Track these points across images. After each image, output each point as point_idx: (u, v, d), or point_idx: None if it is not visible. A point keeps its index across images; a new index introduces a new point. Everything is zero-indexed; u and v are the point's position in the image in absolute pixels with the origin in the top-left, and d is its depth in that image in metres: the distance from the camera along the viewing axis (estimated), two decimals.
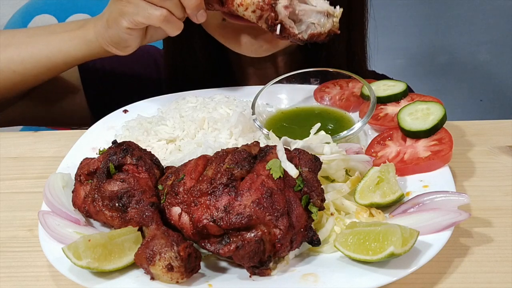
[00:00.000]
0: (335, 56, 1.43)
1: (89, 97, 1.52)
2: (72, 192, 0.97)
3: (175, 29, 1.16)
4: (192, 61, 1.47)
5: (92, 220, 0.95)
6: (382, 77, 1.63)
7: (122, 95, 1.51)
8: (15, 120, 1.51)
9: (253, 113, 1.14)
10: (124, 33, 1.16)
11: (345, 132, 1.07)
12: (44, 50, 1.29)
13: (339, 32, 1.16)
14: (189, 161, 0.94)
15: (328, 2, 1.14)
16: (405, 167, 1.00)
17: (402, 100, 1.17)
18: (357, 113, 1.16)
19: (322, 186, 0.87)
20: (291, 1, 1.10)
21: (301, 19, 1.12)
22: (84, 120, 1.50)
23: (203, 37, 1.40)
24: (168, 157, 1.10)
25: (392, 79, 1.51)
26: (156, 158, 0.99)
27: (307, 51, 1.45)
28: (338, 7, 1.14)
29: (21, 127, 1.92)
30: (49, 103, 1.49)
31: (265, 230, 0.80)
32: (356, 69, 1.46)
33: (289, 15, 1.11)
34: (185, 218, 0.85)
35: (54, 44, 1.29)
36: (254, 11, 1.11)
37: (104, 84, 1.54)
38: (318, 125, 1.02)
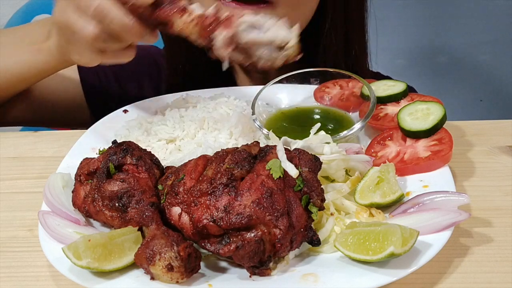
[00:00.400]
0: (331, 50, 1.42)
1: (88, 97, 1.52)
2: (72, 192, 0.97)
3: (126, 58, 1.08)
4: (192, 61, 1.47)
5: (92, 220, 0.95)
6: (387, 78, 1.63)
7: (122, 95, 1.50)
8: (13, 121, 1.50)
9: (253, 113, 1.14)
10: (79, 60, 1.09)
11: (345, 132, 1.07)
12: (14, 66, 1.27)
13: (298, 57, 0.99)
14: (189, 161, 0.94)
15: (286, 25, 0.95)
16: (405, 167, 1.00)
17: (402, 100, 1.17)
18: (357, 113, 1.16)
19: (322, 186, 0.87)
20: (235, 32, 0.92)
21: (248, 51, 0.95)
22: (84, 120, 1.50)
23: None
24: (168, 157, 1.10)
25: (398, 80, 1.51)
26: (156, 158, 0.99)
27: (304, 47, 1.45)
28: (294, 32, 0.94)
29: (21, 127, 1.92)
30: (49, 103, 1.48)
31: (265, 230, 0.80)
32: (355, 67, 1.46)
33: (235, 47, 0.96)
34: (185, 218, 0.85)
35: (24, 58, 1.25)
36: (198, 39, 0.97)
37: (104, 84, 1.54)
38: (318, 125, 1.03)
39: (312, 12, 1.36)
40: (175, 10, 0.94)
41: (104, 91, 1.53)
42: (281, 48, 0.90)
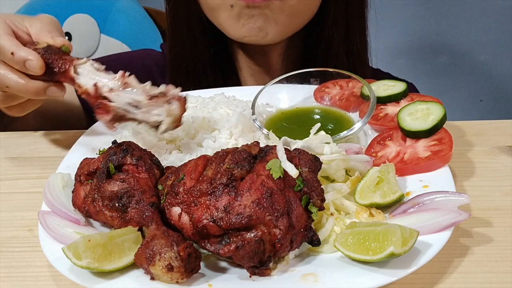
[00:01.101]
0: (333, 46, 1.44)
1: (85, 107, 1.52)
2: (72, 192, 0.97)
3: (33, 107, 1.15)
4: (195, 57, 1.48)
5: (92, 220, 0.95)
6: (387, 75, 1.64)
7: None
8: (25, 129, 1.49)
9: (253, 113, 1.14)
10: None
11: (345, 132, 1.07)
12: None
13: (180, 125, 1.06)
14: (189, 161, 0.94)
15: (164, 104, 1.01)
16: (405, 167, 1.00)
17: (402, 100, 1.17)
18: (357, 113, 1.16)
19: (322, 186, 0.87)
20: (114, 113, 1.00)
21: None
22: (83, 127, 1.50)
23: (207, 32, 1.43)
24: (168, 157, 1.10)
25: (396, 78, 1.52)
26: (156, 158, 0.99)
27: (306, 41, 1.47)
28: (169, 113, 1.01)
29: None
30: (49, 111, 1.47)
31: (265, 230, 0.80)
32: (356, 63, 1.47)
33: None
34: (185, 218, 0.85)
35: None
36: None
37: None
38: (318, 125, 1.03)
39: (318, 6, 1.39)
40: (66, 80, 1.05)
41: None
42: (156, 126, 0.98)
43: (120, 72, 1.02)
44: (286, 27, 1.38)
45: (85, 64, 1.04)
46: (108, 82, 1.00)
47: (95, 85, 1.00)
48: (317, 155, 0.92)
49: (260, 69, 1.52)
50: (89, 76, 1.02)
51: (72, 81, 1.04)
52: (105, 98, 0.99)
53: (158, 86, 1.04)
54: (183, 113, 1.02)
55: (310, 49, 1.50)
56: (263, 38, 1.37)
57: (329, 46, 1.46)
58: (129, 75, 1.03)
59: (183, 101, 1.01)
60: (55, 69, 1.05)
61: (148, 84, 1.03)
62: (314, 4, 1.39)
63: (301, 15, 1.39)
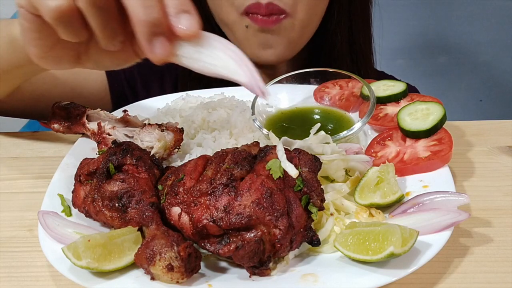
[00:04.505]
0: (337, 45, 1.46)
1: (113, 91, 1.53)
2: (72, 192, 0.97)
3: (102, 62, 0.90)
4: None
5: (92, 220, 0.95)
6: (391, 78, 1.64)
7: (145, 90, 1.53)
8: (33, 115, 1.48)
9: (253, 113, 1.14)
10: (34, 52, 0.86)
11: (345, 132, 1.07)
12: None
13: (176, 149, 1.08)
14: (189, 161, 0.94)
15: (155, 133, 1.06)
16: (404, 167, 1.00)
17: (402, 100, 1.17)
18: (357, 113, 1.16)
19: (322, 186, 0.87)
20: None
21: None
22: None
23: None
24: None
25: (400, 80, 1.52)
26: (156, 158, 0.99)
27: (312, 42, 1.48)
28: (158, 139, 1.04)
29: (22, 126, 1.91)
30: (75, 96, 1.45)
31: (265, 230, 0.80)
32: (361, 63, 1.48)
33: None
34: (185, 218, 0.85)
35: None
36: None
37: (128, 78, 1.55)
38: (318, 125, 1.03)
39: (323, 12, 1.41)
40: (80, 126, 1.17)
41: (128, 86, 1.54)
42: (149, 148, 1.05)
43: (123, 113, 1.14)
44: (297, 43, 1.42)
45: (96, 113, 1.17)
46: (111, 122, 1.12)
47: (98, 124, 1.11)
48: (317, 155, 0.92)
49: (265, 71, 1.53)
50: (97, 121, 1.13)
51: (84, 126, 1.15)
52: (108, 134, 1.10)
53: None
54: (178, 144, 1.07)
55: (315, 50, 1.51)
56: (278, 61, 1.42)
57: (333, 46, 1.46)
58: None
59: (178, 132, 1.07)
60: (71, 115, 1.18)
61: (148, 119, 1.13)
62: (320, 10, 1.41)
63: (310, 25, 1.42)
